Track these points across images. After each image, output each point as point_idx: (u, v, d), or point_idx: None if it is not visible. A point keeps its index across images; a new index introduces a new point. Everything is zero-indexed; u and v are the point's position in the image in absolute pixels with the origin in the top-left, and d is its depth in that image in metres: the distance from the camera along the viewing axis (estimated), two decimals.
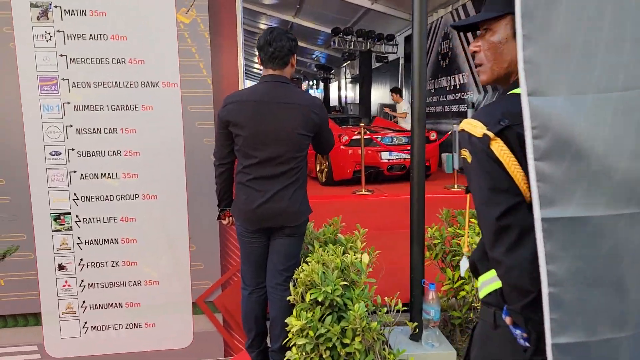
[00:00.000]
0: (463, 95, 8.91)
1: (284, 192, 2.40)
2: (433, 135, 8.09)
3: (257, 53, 2.43)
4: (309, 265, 2.34)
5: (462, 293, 2.65)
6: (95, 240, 2.87)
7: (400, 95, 9.68)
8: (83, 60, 2.71)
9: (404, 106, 9.40)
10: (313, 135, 2.45)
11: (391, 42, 13.07)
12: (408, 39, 12.13)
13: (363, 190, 7.15)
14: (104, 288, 2.90)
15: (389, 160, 7.67)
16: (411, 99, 2.52)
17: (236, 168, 2.50)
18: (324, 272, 2.30)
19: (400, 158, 7.72)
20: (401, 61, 13.08)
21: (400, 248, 4.52)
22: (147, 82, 2.75)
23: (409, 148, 7.93)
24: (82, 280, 2.88)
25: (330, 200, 6.86)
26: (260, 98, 2.35)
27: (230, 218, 2.64)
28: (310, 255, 2.67)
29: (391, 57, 13.69)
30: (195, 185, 2.87)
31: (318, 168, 8.19)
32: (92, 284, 2.89)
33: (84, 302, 2.90)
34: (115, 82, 2.75)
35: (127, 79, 2.75)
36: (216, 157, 2.53)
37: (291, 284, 2.40)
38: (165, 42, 2.74)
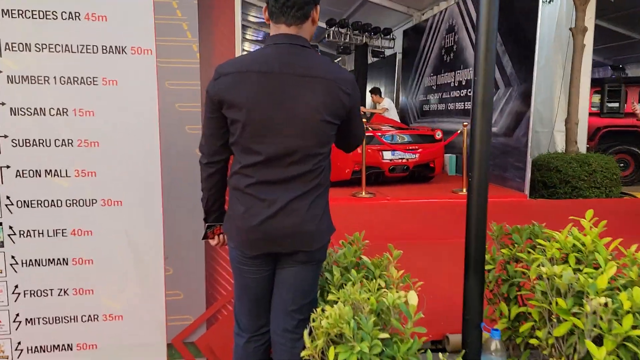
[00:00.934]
0: (469, 92, 8.27)
1: (298, 202, 1.66)
2: (439, 134, 7.44)
3: (263, 4, 1.70)
4: (332, 306, 1.64)
5: (533, 341, 1.97)
6: (36, 260, 2.12)
7: (380, 95, 9.06)
8: (20, 13, 1.96)
9: (385, 103, 8.77)
10: (340, 123, 1.70)
11: (388, 36, 12.42)
12: (406, 34, 11.48)
13: (363, 193, 6.46)
14: (48, 325, 2.16)
15: (391, 160, 6.99)
16: (473, 78, 1.82)
17: (231, 168, 1.75)
18: (355, 320, 1.60)
19: (404, 158, 7.05)
20: (398, 56, 12.42)
21: (418, 263, 3.85)
22: (111, 46, 2.00)
23: (412, 147, 7.34)
24: (18, 315, 2.14)
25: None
26: (268, 68, 1.58)
27: (222, 236, 1.89)
28: (330, 288, 1.96)
29: (388, 52, 13.04)
30: (174, 189, 2.15)
31: None
32: (31, 319, 2.15)
33: (19, 343, 2.16)
34: (66, 46, 2.00)
35: (83, 41, 2.00)
36: (203, 153, 1.76)
37: (306, 332, 1.68)
38: None
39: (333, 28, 11.65)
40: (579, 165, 6.90)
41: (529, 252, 2.10)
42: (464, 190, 6.74)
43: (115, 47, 2.01)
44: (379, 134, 6.92)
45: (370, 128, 7.00)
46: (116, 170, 2.11)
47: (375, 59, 13.20)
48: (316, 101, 1.58)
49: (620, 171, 8.55)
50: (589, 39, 7.36)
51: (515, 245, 2.22)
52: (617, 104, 9.04)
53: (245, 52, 10.18)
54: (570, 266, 1.89)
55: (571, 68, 7.24)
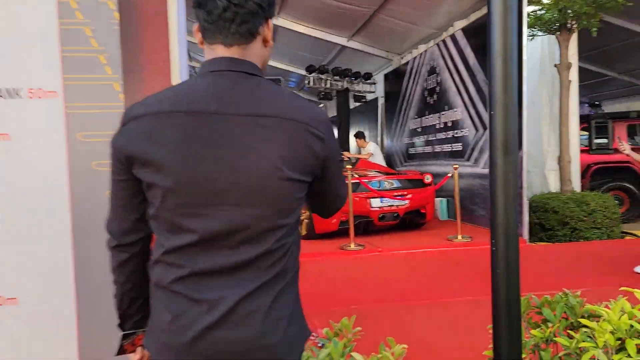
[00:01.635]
0: (456, 134, 7.99)
1: (254, 302, 1.11)
2: (428, 178, 7.08)
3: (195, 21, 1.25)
4: None
5: None
6: None
7: (365, 139, 8.74)
8: None
9: (370, 147, 8.43)
10: (312, 180, 1.21)
11: (369, 81, 12.29)
12: (387, 77, 11.35)
13: (352, 245, 5.99)
14: None
15: (380, 208, 6.57)
16: (489, 113, 1.40)
17: (152, 254, 1.19)
18: None
19: (393, 205, 6.64)
20: (380, 100, 12.27)
21: (421, 334, 3.30)
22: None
23: (401, 193, 6.94)
24: None
25: (313, 259, 5.66)
26: (201, 106, 1.09)
27: (144, 352, 1.25)
28: None
29: (369, 97, 12.89)
30: (90, 280, 1.65)
31: None
32: None
33: None
34: None
35: None
36: (112, 232, 1.21)
37: None
38: (33, 15, 1.58)
39: (313, 74, 11.48)
40: (576, 205, 6.55)
41: (569, 335, 1.64)
42: (460, 237, 6.31)
43: (7, 88, 1.54)
44: (366, 180, 6.53)
45: (356, 175, 6.61)
46: (9, 260, 1.61)
47: (358, 104, 13.03)
48: (274, 152, 1.09)
49: None
50: (574, 74, 7.19)
51: (548, 324, 1.76)
52: (605, 140, 8.83)
53: None
54: (631, 357, 1.43)
55: (560, 105, 7.02)
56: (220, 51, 1.14)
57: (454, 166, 6.45)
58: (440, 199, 8.24)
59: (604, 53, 10.99)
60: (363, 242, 6.25)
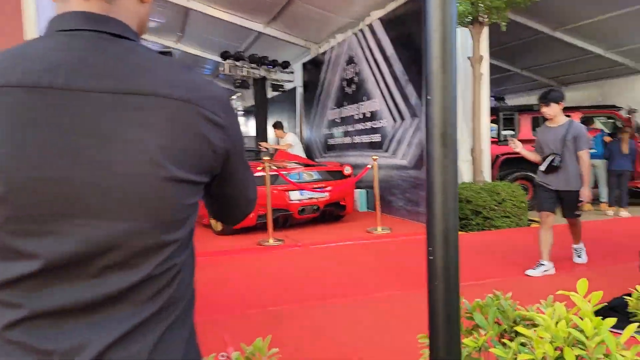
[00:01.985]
0: (375, 124, 7.97)
1: (129, 348, 0.79)
2: (348, 170, 6.98)
3: None
4: None
5: None
6: None
7: (283, 130, 8.49)
8: None
9: (288, 138, 8.21)
10: (209, 180, 0.91)
11: (287, 70, 12.03)
12: (305, 66, 11.16)
13: (271, 240, 5.74)
14: None
15: (299, 200, 6.37)
16: (426, 98, 1.18)
17: None
18: None
19: (313, 198, 6.47)
20: (299, 90, 12.06)
21: (347, 330, 3.06)
22: None
23: (321, 185, 6.78)
24: None
25: (229, 256, 5.34)
26: (44, 78, 0.75)
27: None
28: None
29: (288, 86, 12.64)
30: None
31: None
32: None
33: None
34: None
35: None
36: None
37: None
38: None
39: (228, 61, 11.01)
40: (488, 194, 6.77)
41: (503, 343, 1.50)
42: (379, 229, 6.27)
43: None
44: (285, 172, 6.28)
45: (274, 166, 6.34)
46: None
47: (276, 93, 12.74)
48: (151, 143, 0.78)
49: None
50: (485, 68, 7.41)
51: (481, 330, 1.62)
52: (512, 132, 9.27)
53: None
54: None
55: (473, 98, 7.20)
56: (74, 4, 0.81)
57: (373, 157, 6.40)
58: (359, 190, 8.21)
59: (509, 49, 11.57)
60: (282, 237, 6.02)
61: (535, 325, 1.54)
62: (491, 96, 15.76)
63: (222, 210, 1.04)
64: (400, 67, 7.13)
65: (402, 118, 7.18)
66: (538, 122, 9.43)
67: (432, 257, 1.13)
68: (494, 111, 9.28)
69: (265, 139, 11.63)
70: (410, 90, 6.96)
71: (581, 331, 1.37)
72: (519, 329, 1.44)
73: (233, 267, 4.90)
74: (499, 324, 1.66)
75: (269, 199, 5.71)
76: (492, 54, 11.96)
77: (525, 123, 9.28)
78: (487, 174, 7.60)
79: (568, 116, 4.70)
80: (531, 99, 14.48)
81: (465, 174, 7.84)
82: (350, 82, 8.75)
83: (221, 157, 0.89)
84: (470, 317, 1.71)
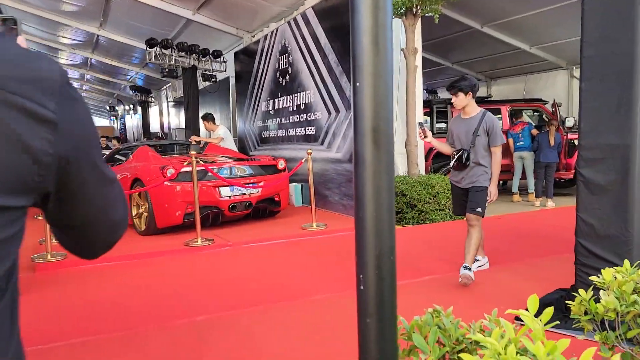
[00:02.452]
0: (310, 116, 7.74)
1: None
2: (282, 164, 6.71)
3: None
4: None
5: None
6: None
7: (214, 122, 8.05)
8: None
9: (219, 131, 7.81)
10: (39, 201, 0.64)
11: (219, 59, 11.54)
12: (237, 56, 10.72)
13: (199, 240, 5.37)
14: None
15: (230, 197, 6.02)
16: (353, 85, 0.92)
17: None
18: None
19: (245, 194, 6.15)
20: (231, 80, 11.61)
21: (281, 339, 3.12)
22: None
23: (253, 181, 6.45)
24: None
25: (152, 259, 4.93)
26: None
27: None
28: None
29: (220, 76, 12.14)
30: None
31: (134, 212, 6.14)
32: None
33: None
34: None
35: None
36: None
37: None
38: None
39: (155, 49, 10.37)
40: (422, 187, 6.75)
41: None
42: (314, 225, 6.06)
43: None
44: (214, 167, 5.91)
45: (201, 161, 5.95)
46: None
47: (208, 83, 12.19)
48: None
49: None
50: (419, 60, 7.37)
51: (420, 355, 1.42)
52: (445, 124, 9.37)
53: None
54: None
55: (406, 90, 7.13)
56: None
57: (308, 151, 6.17)
58: (294, 184, 7.97)
59: (440, 43, 11.74)
60: (212, 236, 5.67)
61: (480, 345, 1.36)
62: (424, 89, 16.12)
63: (75, 242, 0.75)
64: (335, 58, 6.93)
65: (337, 110, 7.00)
66: None
67: (362, 287, 0.89)
68: (427, 104, 9.34)
69: (197, 132, 11.10)
70: (344, 81, 6.78)
71: (533, 356, 1.19)
72: (464, 356, 1.25)
73: (156, 271, 4.51)
74: (441, 344, 1.46)
75: (196, 196, 5.33)
76: (425, 48, 12.07)
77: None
78: (421, 167, 7.60)
79: (497, 109, 4.49)
80: None
81: (400, 167, 7.82)
82: (284, 72, 8.46)
83: (52, 167, 0.61)
84: (409, 337, 1.51)
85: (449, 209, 6.84)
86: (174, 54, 10.71)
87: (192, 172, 5.30)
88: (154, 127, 20.98)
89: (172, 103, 18.42)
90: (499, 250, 5.03)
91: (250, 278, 4.24)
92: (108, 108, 28.66)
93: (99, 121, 36.48)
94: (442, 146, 4.17)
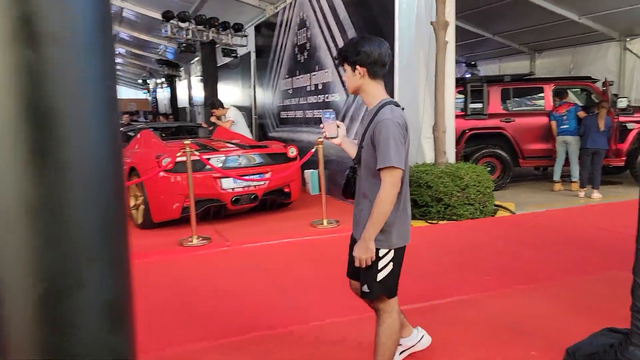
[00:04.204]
0: (327, 98, 7.07)
1: None
2: (293, 151, 6.11)
3: None
4: None
5: None
6: None
7: (222, 107, 7.46)
8: None
9: (230, 114, 7.22)
10: None
11: (240, 33, 10.90)
12: (258, 29, 10.06)
13: (194, 239, 4.88)
14: None
15: (232, 189, 5.49)
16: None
17: None
18: None
19: (249, 185, 5.60)
20: (252, 56, 10.98)
21: None
22: None
23: (259, 171, 5.86)
24: None
25: (136, 261, 4.45)
26: None
27: None
28: None
29: (242, 51, 11.52)
30: None
31: (132, 203, 5.71)
32: None
33: None
34: None
35: None
36: None
37: None
38: None
39: (171, 22, 9.81)
40: (450, 179, 6.02)
41: None
42: (325, 222, 5.47)
43: None
44: (212, 157, 5.35)
45: (195, 152, 5.39)
46: None
47: (228, 59, 11.61)
48: None
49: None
50: (451, 35, 6.53)
51: None
52: (480, 105, 8.50)
53: None
54: None
55: (435, 68, 6.34)
56: None
57: (318, 139, 5.53)
58: (311, 170, 7.38)
59: (480, 13, 10.71)
60: (212, 232, 5.18)
61: None
62: (462, 62, 15.02)
63: None
64: (354, 34, 6.20)
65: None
66: (509, 94, 8.67)
67: None
68: (460, 82, 8.47)
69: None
70: None
71: None
72: None
73: (141, 279, 4.03)
74: None
75: (190, 189, 4.82)
76: (463, 18, 11.11)
77: (494, 95, 8.51)
78: (450, 154, 6.84)
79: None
80: (504, 66, 13.72)
81: (427, 154, 7.07)
82: (302, 48, 7.77)
83: None
84: None
85: (479, 204, 6.11)
86: (191, 27, 10.14)
87: (186, 163, 4.78)
88: (182, 102, 20.69)
89: (200, 78, 17.99)
90: (533, 261, 4.32)
91: (241, 293, 3.69)
92: (141, 81, 28.61)
93: (135, 94, 36.64)
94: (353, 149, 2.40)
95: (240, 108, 12.58)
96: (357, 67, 2.06)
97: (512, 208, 6.64)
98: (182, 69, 20.07)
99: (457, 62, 14.96)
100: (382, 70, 2.09)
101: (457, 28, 11.19)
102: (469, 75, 13.14)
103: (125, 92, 39.29)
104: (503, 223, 5.95)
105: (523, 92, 9.35)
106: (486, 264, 4.31)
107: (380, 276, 2.12)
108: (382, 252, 2.09)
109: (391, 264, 2.13)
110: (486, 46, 13.40)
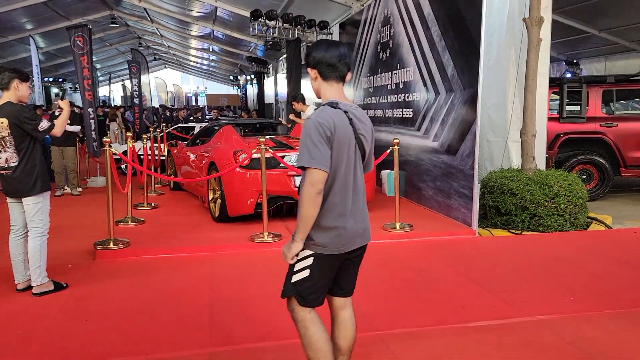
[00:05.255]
0: (408, 97, 6.85)
1: None
2: None
3: None
4: None
5: None
6: None
7: (304, 102, 7.42)
8: None
9: (309, 111, 7.16)
10: None
11: (324, 31, 10.93)
12: (343, 27, 10.01)
13: (265, 236, 4.93)
14: None
15: None
16: None
17: None
18: None
19: None
20: None
21: None
22: None
23: None
24: None
25: (200, 254, 4.58)
26: None
27: None
28: None
29: None
30: None
31: (211, 197, 5.91)
32: None
33: None
34: None
35: None
36: None
37: None
38: None
39: (259, 20, 10.05)
40: (537, 187, 5.58)
41: None
42: (397, 226, 5.30)
43: None
44: (285, 155, 5.36)
45: (269, 148, 5.43)
46: None
47: None
48: None
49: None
50: (546, 32, 6.05)
51: None
52: (578, 107, 7.82)
53: None
54: None
55: (526, 67, 5.91)
56: None
57: (394, 140, 5.37)
58: (388, 171, 7.21)
59: (584, 7, 9.83)
60: (283, 229, 5.21)
61: None
62: (562, 60, 13.93)
63: None
64: (438, 31, 5.94)
65: (437, 92, 6.04)
66: (612, 96, 7.89)
67: None
68: (557, 82, 7.84)
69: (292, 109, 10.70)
70: (447, 58, 5.78)
71: None
72: None
73: (198, 275, 4.12)
74: None
75: (263, 185, 4.87)
76: (565, 13, 10.28)
77: (594, 97, 7.79)
78: (540, 160, 6.35)
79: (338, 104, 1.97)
80: (610, 65, 12.52)
81: (514, 158, 6.61)
82: (385, 46, 7.60)
83: None
84: None
85: (570, 215, 5.61)
86: (278, 25, 10.33)
87: (260, 159, 4.84)
88: (269, 98, 21.24)
89: (285, 74, 18.36)
90: (626, 283, 3.87)
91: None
92: (232, 78, 29.81)
93: (228, 89, 38.34)
94: None
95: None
96: (309, 69, 2.12)
97: (608, 222, 6.04)
98: (269, 66, 20.61)
99: (557, 60, 13.96)
100: (332, 72, 2.05)
101: (557, 24, 10.41)
102: (570, 75, 12.16)
103: (218, 88, 41.28)
104: (596, 238, 5.41)
105: (629, 94, 8.47)
106: (572, 282, 3.93)
107: (294, 278, 2.03)
108: (302, 254, 2.00)
109: (308, 270, 2.00)
110: (590, 43, 12.30)
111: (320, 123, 1.93)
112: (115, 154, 4.78)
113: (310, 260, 2.00)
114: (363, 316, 3.32)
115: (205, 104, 34.70)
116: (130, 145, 5.83)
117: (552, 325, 3.18)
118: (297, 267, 2.02)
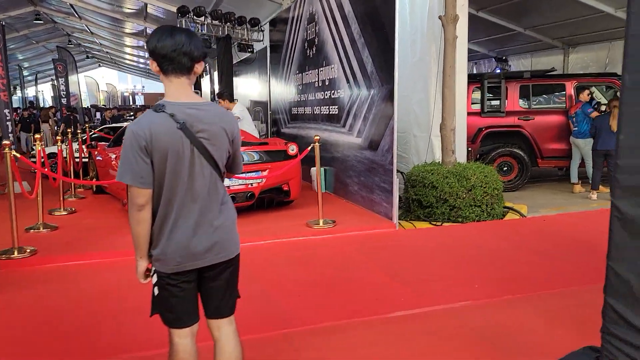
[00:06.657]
0: (333, 94, 6.91)
1: None
2: (293, 149, 5.99)
3: None
4: None
5: None
6: None
7: (230, 100, 7.31)
8: None
9: (236, 110, 7.09)
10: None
11: (256, 28, 10.82)
12: (273, 24, 9.96)
13: None
14: None
15: (228, 187, 5.41)
16: None
17: None
18: None
19: (246, 183, 5.52)
20: (269, 51, 10.89)
21: None
22: None
23: (256, 168, 5.67)
24: None
25: (114, 259, 4.42)
26: None
27: None
28: None
29: (258, 46, 11.45)
30: None
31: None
32: None
33: None
34: None
35: None
36: None
37: None
38: None
39: (186, 17, 9.80)
40: (456, 179, 5.78)
41: None
42: (321, 222, 5.33)
43: None
44: None
45: None
46: None
47: (244, 54, 11.57)
48: None
49: (503, 175, 7.67)
50: (462, 29, 6.26)
51: None
52: (498, 102, 8.16)
53: None
54: None
55: (443, 63, 6.10)
56: None
57: (315, 137, 5.39)
58: (323, 167, 7.23)
59: (512, 6, 10.27)
60: None
61: None
62: (492, 57, 14.52)
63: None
64: (357, 28, 6.02)
65: (359, 88, 6.12)
66: (528, 90, 8.29)
67: None
68: (474, 78, 8.14)
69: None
70: (366, 55, 5.87)
71: None
72: None
73: (108, 279, 3.99)
74: None
75: None
76: (494, 11, 10.69)
77: (512, 92, 8.16)
78: (461, 154, 6.57)
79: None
80: (536, 61, 13.16)
81: (438, 151, 6.82)
82: (311, 43, 7.63)
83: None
84: None
85: (486, 206, 5.85)
86: (206, 22, 10.13)
87: None
88: (206, 96, 20.83)
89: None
90: (532, 268, 4.08)
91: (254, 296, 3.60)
92: None
93: None
94: None
95: (258, 104, 12.56)
96: (149, 62, 1.86)
97: (523, 211, 6.34)
98: (206, 64, 20.22)
99: (487, 57, 14.51)
100: (169, 64, 1.78)
101: (487, 22, 10.82)
102: (499, 71, 12.68)
103: (156, 87, 40.13)
104: (509, 226, 5.68)
105: (543, 89, 8.93)
106: (482, 270, 4.10)
107: (154, 293, 1.92)
108: (153, 271, 1.90)
109: (157, 287, 1.89)
110: (517, 40, 12.88)
111: (134, 132, 1.75)
112: (17, 157, 4.52)
113: (155, 278, 1.89)
114: (275, 315, 3.31)
115: (143, 103, 33.59)
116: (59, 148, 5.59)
117: (457, 313, 3.30)
118: (153, 282, 1.92)
